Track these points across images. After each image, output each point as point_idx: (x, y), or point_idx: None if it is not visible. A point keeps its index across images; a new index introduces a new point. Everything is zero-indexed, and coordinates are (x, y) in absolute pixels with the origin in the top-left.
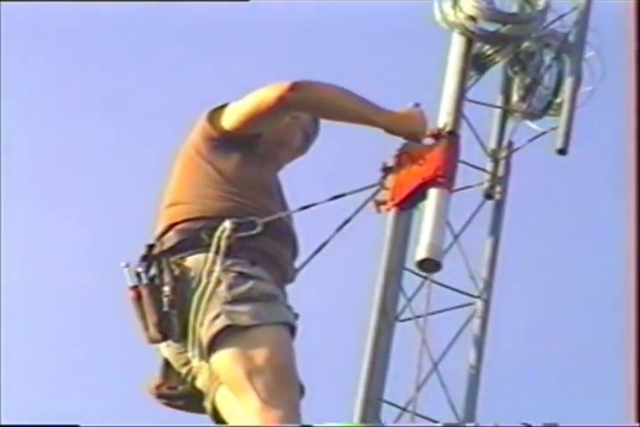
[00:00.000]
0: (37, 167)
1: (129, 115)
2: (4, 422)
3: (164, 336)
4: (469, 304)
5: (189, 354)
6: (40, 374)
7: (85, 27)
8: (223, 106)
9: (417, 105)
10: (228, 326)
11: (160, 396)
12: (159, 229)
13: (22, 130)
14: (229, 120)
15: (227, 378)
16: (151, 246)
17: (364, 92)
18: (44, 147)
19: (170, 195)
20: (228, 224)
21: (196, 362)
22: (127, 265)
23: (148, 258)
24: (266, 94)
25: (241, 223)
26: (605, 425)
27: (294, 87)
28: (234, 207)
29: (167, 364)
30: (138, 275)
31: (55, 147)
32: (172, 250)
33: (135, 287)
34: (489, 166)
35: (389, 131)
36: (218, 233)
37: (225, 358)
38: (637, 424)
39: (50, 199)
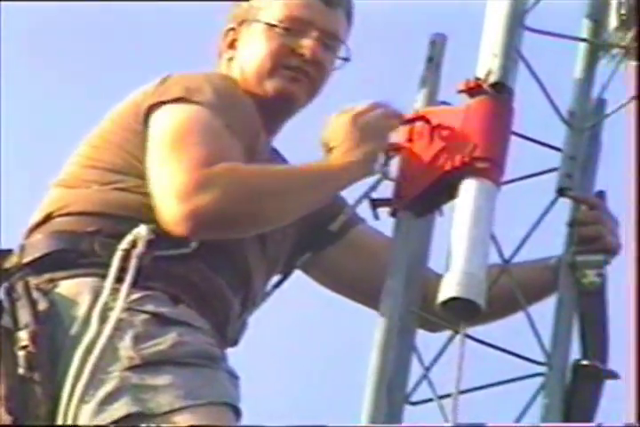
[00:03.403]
0: None
1: None
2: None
3: (17, 420)
4: (532, 376)
5: None
6: None
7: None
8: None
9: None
10: (129, 416)
11: None
12: (30, 223)
13: None
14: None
15: None
16: (4, 253)
17: None
18: None
19: (71, 163)
20: (144, 231)
21: None
22: None
23: None
24: (165, 206)
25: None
26: (605, 425)
27: (192, 215)
28: None
29: None
30: None
31: None
32: (37, 265)
33: None
34: (564, 142)
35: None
36: (124, 244)
37: None
38: (638, 424)
39: None
